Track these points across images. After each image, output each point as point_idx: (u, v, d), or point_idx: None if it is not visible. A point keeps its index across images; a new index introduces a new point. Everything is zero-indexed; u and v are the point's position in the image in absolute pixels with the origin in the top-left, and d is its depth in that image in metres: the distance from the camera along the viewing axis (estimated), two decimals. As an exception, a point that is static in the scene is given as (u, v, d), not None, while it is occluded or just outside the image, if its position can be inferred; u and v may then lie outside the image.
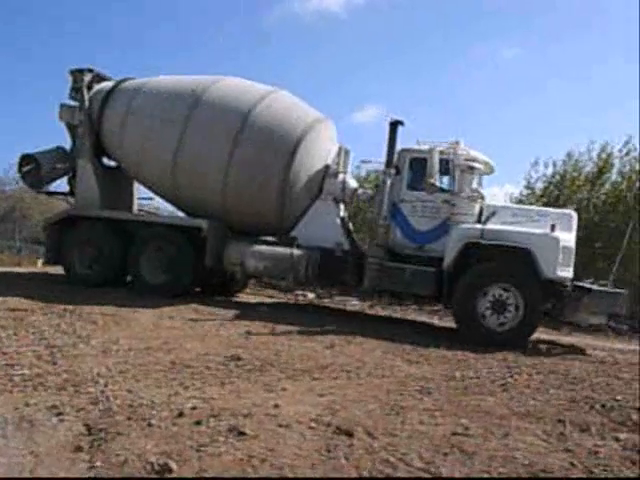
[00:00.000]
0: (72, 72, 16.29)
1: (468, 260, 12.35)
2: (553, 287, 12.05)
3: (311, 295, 19.00)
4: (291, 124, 14.72)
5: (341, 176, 14.85)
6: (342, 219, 14.90)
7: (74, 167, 16.40)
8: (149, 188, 16.72)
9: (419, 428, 5.84)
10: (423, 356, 9.79)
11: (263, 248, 14.48)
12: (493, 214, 12.67)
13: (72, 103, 16.29)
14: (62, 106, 16.38)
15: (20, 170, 16.69)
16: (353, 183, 15.16)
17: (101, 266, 15.17)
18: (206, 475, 4.46)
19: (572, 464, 5.18)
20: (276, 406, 6.18)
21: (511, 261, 12.05)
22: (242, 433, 5.26)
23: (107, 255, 15.12)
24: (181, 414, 5.68)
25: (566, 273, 12.08)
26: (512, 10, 70.83)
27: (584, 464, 5.20)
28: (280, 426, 5.57)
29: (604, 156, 23.40)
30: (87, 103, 15.97)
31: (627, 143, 23.67)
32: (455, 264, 12.36)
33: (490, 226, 12.40)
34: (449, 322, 16.55)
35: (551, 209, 14.31)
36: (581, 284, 12.64)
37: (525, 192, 23.73)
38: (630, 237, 15.55)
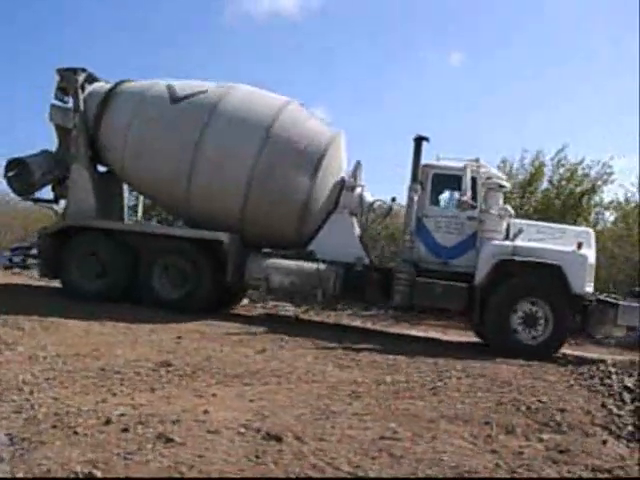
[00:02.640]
0: (61, 71, 15.44)
1: (498, 276, 12.65)
2: (580, 302, 12.51)
3: (291, 307, 18.72)
4: (313, 139, 14.48)
5: (358, 189, 14.75)
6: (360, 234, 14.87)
7: (65, 173, 15.54)
8: (150, 197, 16.27)
9: (348, 432, 5.88)
10: (354, 361, 9.84)
11: (288, 263, 14.06)
12: (520, 231, 12.99)
13: (64, 105, 15.52)
14: (53, 107, 15.54)
15: (6, 175, 15.59)
16: (369, 196, 15.00)
17: (107, 280, 14.38)
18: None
19: (497, 465, 5.31)
20: (206, 412, 6.14)
21: (542, 277, 12.51)
22: (170, 440, 5.21)
23: (113, 269, 14.37)
24: (108, 421, 5.59)
25: (590, 288, 12.64)
26: (456, 15, 72.10)
27: (509, 465, 5.33)
28: (209, 432, 5.54)
29: (536, 164, 24.05)
30: (82, 105, 15.21)
31: (559, 152, 24.38)
32: (488, 280, 12.62)
33: (522, 243, 12.79)
34: (382, 326, 16.79)
35: (570, 227, 14.80)
36: (604, 298, 13.05)
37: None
38: None
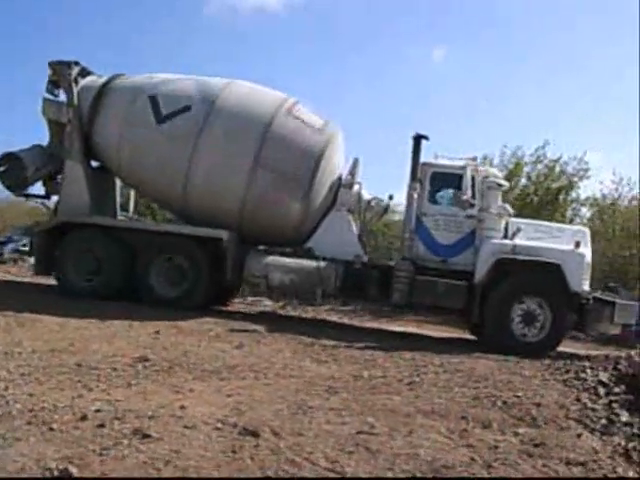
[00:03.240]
0: (54, 64, 15.10)
1: (498, 274, 12.76)
2: (578, 300, 12.62)
3: (269, 302, 18.68)
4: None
5: (356, 187, 14.75)
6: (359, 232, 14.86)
7: (57, 168, 15.28)
8: (146, 194, 16.08)
9: (325, 427, 5.89)
10: (332, 356, 9.85)
11: (288, 260, 14.00)
12: (518, 230, 13.11)
13: (57, 98, 15.25)
14: (45, 101, 15.27)
15: None
16: (366, 194, 15.00)
17: (103, 278, 14.16)
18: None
19: (473, 459, 5.35)
20: (182, 407, 6.13)
21: (541, 275, 12.67)
22: (147, 435, 5.20)
23: (110, 266, 14.12)
24: (84, 417, 5.57)
25: (586, 287, 12.80)
26: (439, 9, 72.41)
27: (484, 459, 5.38)
28: (186, 427, 5.53)
29: (515, 160, 24.25)
30: (76, 100, 14.90)
31: (539, 148, 24.59)
32: (488, 278, 12.72)
33: (521, 242, 12.90)
34: (360, 322, 16.84)
35: (567, 226, 15.04)
36: (601, 297, 13.20)
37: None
38: None
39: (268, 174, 13.99)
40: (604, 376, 8.97)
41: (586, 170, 25.33)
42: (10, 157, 15.03)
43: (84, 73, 15.43)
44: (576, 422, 6.76)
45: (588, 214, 26.62)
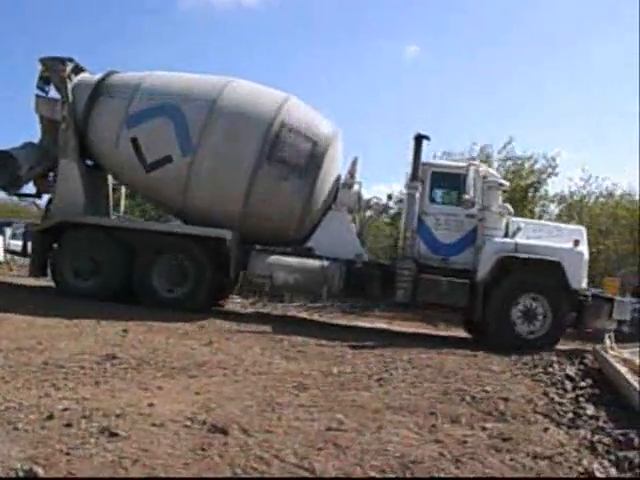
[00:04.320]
0: (46, 60, 14.85)
1: (499, 273, 12.96)
2: (577, 297, 12.94)
3: (239, 299, 18.54)
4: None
5: (356, 187, 14.82)
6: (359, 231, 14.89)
7: (50, 166, 15.04)
8: (143, 194, 15.88)
9: (294, 424, 5.89)
10: (301, 352, 9.87)
11: (292, 260, 13.93)
12: (519, 229, 13.46)
13: (51, 96, 14.99)
14: (38, 98, 15.01)
15: None
16: (366, 194, 15.07)
17: (102, 279, 13.97)
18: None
19: (441, 454, 5.37)
20: (151, 405, 6.09)
21: (542, 273, 12.87)
22: (114, 434, 5.15)
23: (109, 266, 13.94)
24: (51, 416, 5.50)
25: (584, 284, 13.10)
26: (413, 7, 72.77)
27: (452, 454, 5.40)
28: (154, 425, 5.49)
29: (482, 157, 24.39)
30: (71, 97, 14.64)
31: (507, 144, 24.80)
32: (491, 276, 12.90)
33: (522, 240, 13.16)
34: (330, 318, 16.87)
35: (564, 225, 15.26)
36: (599, 294, 13.54)
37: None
38: None
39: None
40: (571, 370, 9.12)
41: (554, 167, 25.63)
42: (3, 156, 14.76)
43: (77, 70, 15.18)
44: (543, 416, 6.84)
45: (556, 211, 26.90)
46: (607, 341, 10.34)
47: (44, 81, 15.01)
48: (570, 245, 12.95)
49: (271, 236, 14.54)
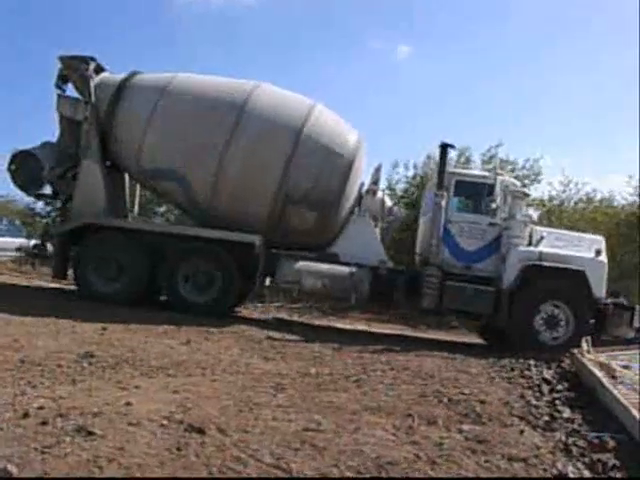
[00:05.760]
0: (67, 59, 14.66)
1: (524, 280, 13.15)
2: (597, 305, 13.12)
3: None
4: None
5: (380, 194, 14.98)
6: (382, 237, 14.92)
7: (69, 166, 14.79)
8: (165, 196, 15.82)
9: (272, 424, 5.89)
10: (280, 353, 9.89)
11: (321, 266, 13.89)
12: (542, 238, 13.69)
13: (74, 95, 14.83)
14: (60, 97, 14.83)
15: (9, 169, 14.70)
16: (389, 201, 15.21)
17: (125, 282, 13.87)
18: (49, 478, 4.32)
19: (417, 456, 5.39)
20: (128, 404, 6.06)
21: (566, 281, 13.11)
22: (90, 433, 5.12)
23: (133, 270, 13.84)
24: (26, 415, 5.45)
25: (604, 293, 13.29)
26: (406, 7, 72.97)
27: (428, 455, 5.43)
28: (131, 424, 5.46)
29: (463, 160, 24.43)
30: (94, 98, 14.48)
31: (491, 149, 24.83)
32: (517, 284, 13.09)
33: (547, 249, 13.42)
34: (309, 319, 16.87)
35: (584, 234, 15.28)
36: (619, 302, 13.70)
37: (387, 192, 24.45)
38: None
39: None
40: (548, 374, 9.20)
41: (537, 174, 25.78)
42: (25, 155, 14.58)
43: (98, 69, 15.01)
44: (519, 419, 6.89)
45: (535, 216, 26.97)
46: (584, 345, 10.41)
47: (62, 79, 14.84)
48: (592, 254, 13.26)
49: (295, 241, 14.53)
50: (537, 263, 13.17)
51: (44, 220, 24.61)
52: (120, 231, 14.20)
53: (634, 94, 61.04)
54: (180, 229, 15.17)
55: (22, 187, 15.16)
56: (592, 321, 13.22)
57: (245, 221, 14.02)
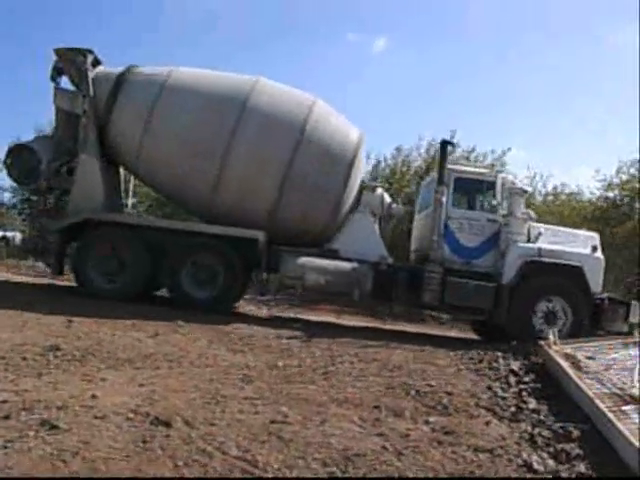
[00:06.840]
0: (63, 51, 14.34)
1: (523, 276, 13.32)
2: (594, 300, 13.32)
3: None
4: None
5: (379, 190, 15.00)
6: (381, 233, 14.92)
7: (65, 161, 14.51)
8: (165, 192, 15.58)
9: (239, 417, 5.88)
10: (248, 345, 9.85)
11: (324, 262, 13.83)
12: (540, 234, 13.75)
13: (70, 88, 14.54)
14: (57, 90, 14.51)
15: (5, 162, 14.42)
16: (387, 197, 15.15)
17: (127, 278, 13.69)
18: (12, 473, 4.26)
19: (384, 447, 5.43)
20: (94, 397, 6.00)
21: (564, 277, 13.36)
22: (55, 426, 5.07)
23: (135, 266, 13.65)
24: (-11, 408, 5.41)
25: (600, 288, 13.53)
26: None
27: (395, 447, 5.46)
28: (96, 418, 5.42)
29: (432, 152, 24.52)
30: (92, 91, 14.19)
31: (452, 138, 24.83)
32: (516, 279, 13.25)
33: (545, 245, 13.60)
34: (278, 311, 16.86)
35: (579, 231, 15.33)
36: (614, 297, 14.00)
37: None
38: None
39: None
40: (515, 365, 9.25)
41: (503, 164, 25.88)
42: (22, 149, 14.38)
43: (95, 62, 14.73)
44: (486, 410, 6.95)
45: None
46: (551, 337, 10.50)
47: (58, 72, 14.57)
48: (589, 251, 13.49)
49: (296, 237, 14.43)
50: (536, 259, 13.37)
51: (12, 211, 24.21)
52: (121, 226, 14.03)
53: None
54: (185, 225, 14.92)
55: (18, 180, 14.95)
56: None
57: (247, 216, 13.97)
